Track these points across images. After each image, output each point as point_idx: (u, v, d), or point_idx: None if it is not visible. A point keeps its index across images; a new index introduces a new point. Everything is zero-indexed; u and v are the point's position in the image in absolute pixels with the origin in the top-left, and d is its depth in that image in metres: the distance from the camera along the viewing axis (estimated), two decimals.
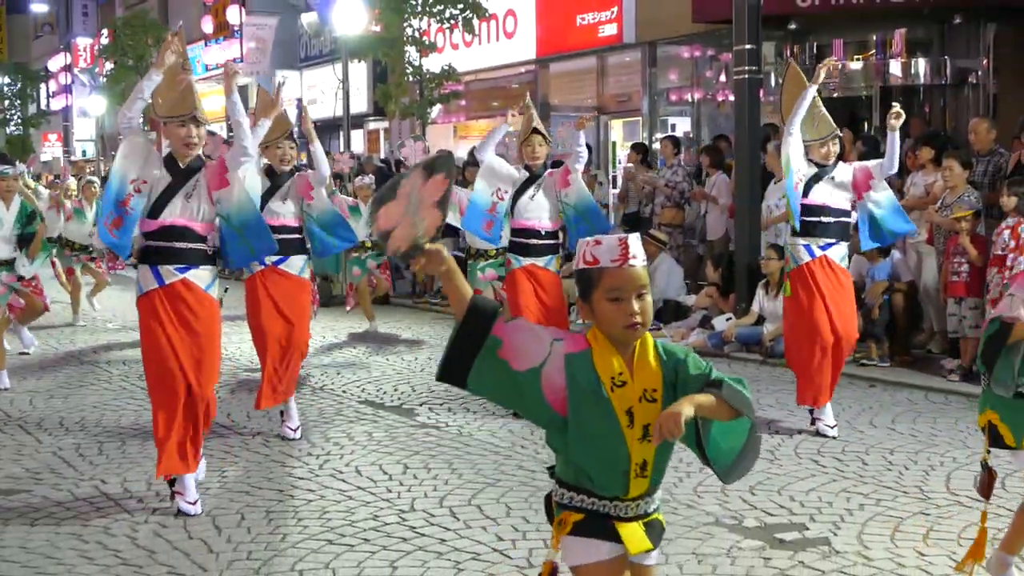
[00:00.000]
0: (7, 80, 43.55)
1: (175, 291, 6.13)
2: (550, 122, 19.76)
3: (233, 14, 25.68)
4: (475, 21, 18.01)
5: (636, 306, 3.15)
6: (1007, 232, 9.38)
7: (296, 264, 8.03)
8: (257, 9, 26.14)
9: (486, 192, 8.77)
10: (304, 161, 11.00)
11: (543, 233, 8.78)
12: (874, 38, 14.88)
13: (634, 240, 3.19)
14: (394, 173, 16.89)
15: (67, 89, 39.87)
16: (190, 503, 6.12)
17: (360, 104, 23.69)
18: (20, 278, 9.98)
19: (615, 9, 17.64)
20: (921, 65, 14.53)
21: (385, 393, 9.58)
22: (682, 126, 18.06)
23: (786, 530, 5.80)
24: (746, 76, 11.90)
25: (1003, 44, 13.92)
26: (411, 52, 18.49)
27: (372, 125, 25.52)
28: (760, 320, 11.23)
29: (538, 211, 8.73)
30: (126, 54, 28.78)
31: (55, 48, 42.66)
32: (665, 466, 3.32)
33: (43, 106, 43.50)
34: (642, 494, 3.27)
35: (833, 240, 7.91)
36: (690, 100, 17.80)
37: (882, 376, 10.03)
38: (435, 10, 17.77)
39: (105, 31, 32.22)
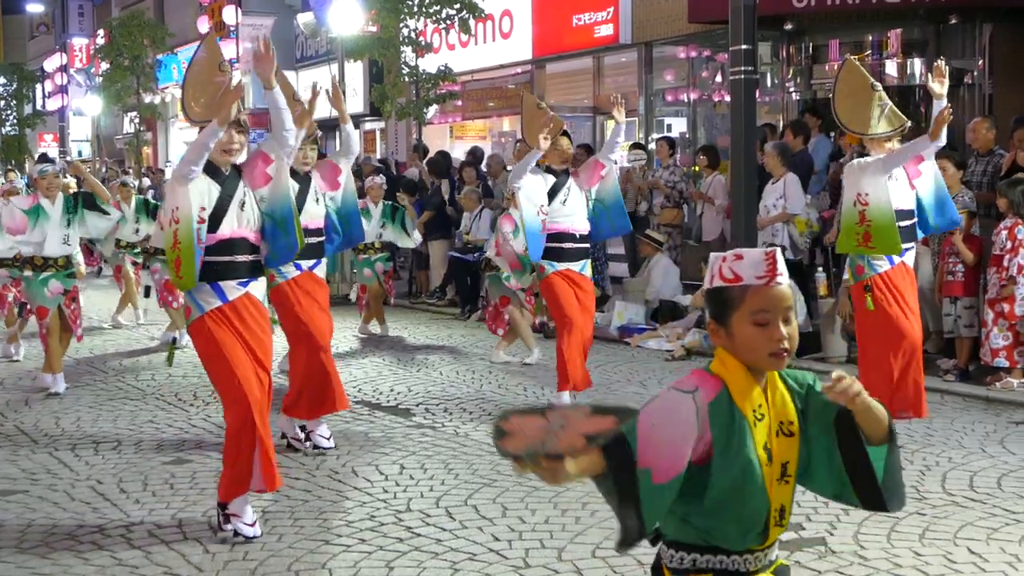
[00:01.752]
0: (2, 80, 43.46)
1: (240, 307, 5.80)
2: None
3: (229, 14, 25.70)
4: (471, 21, 18.02)
5: (784, 330, 2.75)
6: (1004, 232, 9.39)
7: (320, 268, 7.83)
8: (253, 9, 26.15)
9: (534, 216, 8.35)
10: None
11: (577, 236, 8.50)
12: (870, 38, 14.90)
13: (779, 255, 2.82)
14: (392, 174, 16.89)
15: (63, 89, 39.82)
16: (249, 524, 5.74)
17: (356, 104, 23.68)
18: (66, 291, 9.62)
19: (611, 9, 17.65)
20: (917, 65, 14.55)
21: (381, 394, 9.58)
22: (678, 126, 18.09)
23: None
24: (742, 76, 11.87)
25: (999, 44, 13.94)
26: (407, 52, 18.50)
27: (368, 125, 25.53)
28: None
29: (571, 214, 8.45)
30: (122, 54, 28.75)
31: (51, 48, 42.64)
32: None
33: (39, 106, 43.46)
34: (774, 542, 2.90)
35: (910, 244, 7.53)
36: (686, 100, 17.81)
37: None
38: (431, 10, 17.77)
39: (101, 31, 32.22)
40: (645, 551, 5.42)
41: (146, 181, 23.45)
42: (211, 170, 5.75)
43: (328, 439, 7.59)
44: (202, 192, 5.67)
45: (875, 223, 7.26)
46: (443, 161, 16.74)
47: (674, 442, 2.64)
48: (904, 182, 7.48)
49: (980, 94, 13.99)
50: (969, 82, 14.16)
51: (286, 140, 5.93)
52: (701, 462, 2.70)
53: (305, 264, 7.53)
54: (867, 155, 7.71)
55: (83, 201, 9.67)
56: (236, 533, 5.71)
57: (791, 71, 15.63)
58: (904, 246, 7.40)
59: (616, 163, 8.52)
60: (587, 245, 8.63)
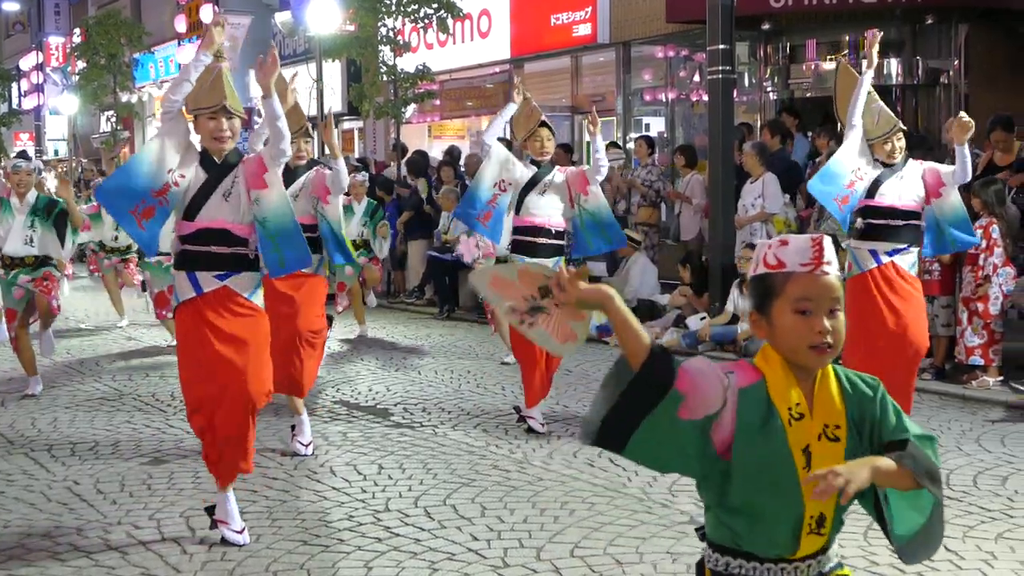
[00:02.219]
0: None
1: (215, 300, 5.61)
2: None
3: (206, 13, 25.56)
4: (449, 21, 17.98)
5: (827, 323, 2.61)
6: (979, 232, 9.43)
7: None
8: (231, 8, 26.03)
9: (489, 181, 8.08)
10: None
11: (552, 232, 8.19)
12: (847, 38, 14.94)
13: (828, 243, 2.67)
14: (371, 173, 16.86)
15: (39, 88, 39.60)
16: (236, 532, 5.64)
17: (334, 104, 23.59)
18: (33, 280, 9.42)
19: (589, 9, 17.66)
20: (893, 65, 14.60)
21: (360, 393, 9.56)
22: (656, 126, 18.11)
23: None
24: (720, 76, 11.93)
25: (974, 44, 14.01)
26: (385, 52, 18.44)
27: (347, 125, 25.46)
28: (734, 319, 11.27)
29: (548, 209, 8.15)
30: (98, 53, 28.56)
31: (27, 47, 42.37)
32: (843, 519, 2.79)
33: (14, 105, 43.13)
34: (814, 552, 2.71)
35: (903, 245, 7.28)
36: (664, 100, 17.83)
37: None
38: (409, 9, 17.73)
39: (77, 30, 32.04)
40: (623, 550, 5.45)
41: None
42: (204, 157, 5.63)
43: (306, 447, 7.49)
44: (171, 153, 5.53)
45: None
46: (421, 160, 16.73)
47: (708, 387, 2.58)
48: (913, 184, 7.36)
49: (956, 94, 14.06)
50: (945, 82, 14.23)
51: (283, 153, 5.70)
52: (723, 452, 2.60)
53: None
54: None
55: (55, 217, 9.38)
56: (224, 540, 5.62)
57: (768, 71, 15.67)
58: (893, 245, 7.26)
59: (599, 181, 8.25)
60: (562, 242, 8.33)
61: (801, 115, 13.96)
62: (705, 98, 13.27)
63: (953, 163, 7.56)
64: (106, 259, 13.58)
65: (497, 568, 5.30)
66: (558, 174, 8.23)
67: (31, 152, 34.80)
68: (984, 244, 9.37)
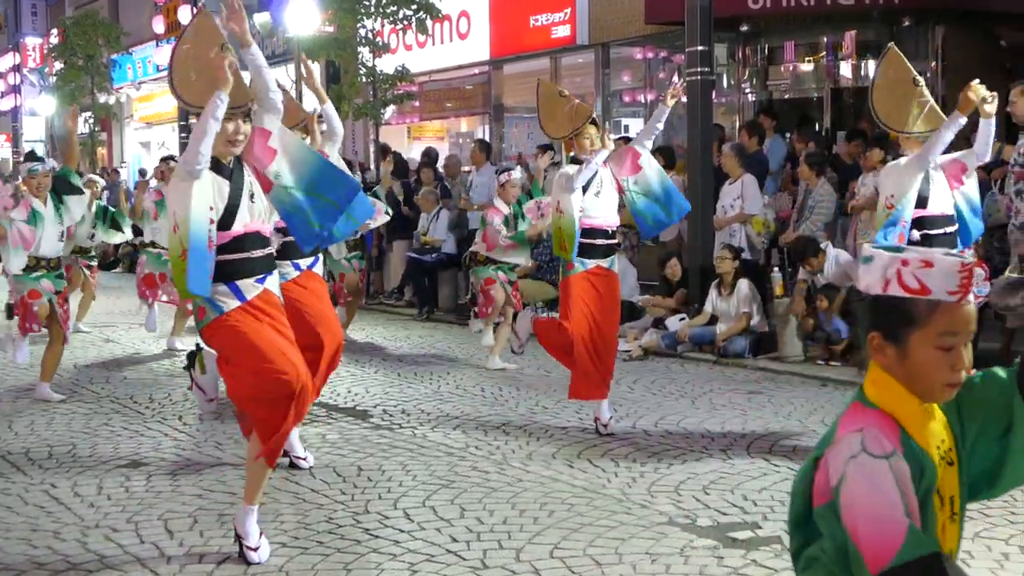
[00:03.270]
0: None
1: (260, 305, 5.37)
2: (503, 123, 19.85)
3: (185, 14, 25.44)
4: (428, 22, 17.98)
5: (967, 359, 2.35)
6: None
7: (308, 259, 7.23)
8: (211, 8, 25.97)
9: (575, 211, 7.70)
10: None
11: (608, 232, 7.90)
12: (825, 40, 15.02)
13: (975, 268, 2.39)
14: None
15: (16, 89, 39.40)
16: (253, 549, 5.36)
17: (313, 104, 23.58)
18: (58, 292, 9.27)
19: (568, 10, 17.69)
20: (871, 67, 14.66)
21: (339, 395, 9.55)
22: (635, 127, 18.12)
23: (739, 529, 5.83)
24: (698, 77, 11.97)
25: (951, 46, 14.09)
26: (364, 53, 18.43)
27: (326, 126, 25.42)
28: (713, 320, 11.31)
29: (605, 209, 7.83)
30: (76, 54, 28.48)
31: (4, 48, 42.16)
32: None
33: None
34: None
35: (958, 249, 6.93)
36: (643, 101, 17.87)
37: (834, 376, 10.10)
38: (388, 11, 17.72)
39: (55, 31, 31.91)
40: (603, 551, 5.46)
41: (101, 181, 23.20)
42: (214, 165, 5.23)
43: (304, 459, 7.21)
44: (206, 191, 5.15)
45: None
46: (401, 162, 16.74)
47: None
48: (943, 187, 7.14)
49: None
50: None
51: (274, 103, 5.34)
52: None
53: (304, 263, 7.19)
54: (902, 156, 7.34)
55: (58, 187, 9.26)
56: (241, 556, 5.37)
57: (747, 72, 15.74)
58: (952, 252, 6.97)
59: (648, 147, 7.94)
60: (616, 240, 8.12)
61: (779, 116, 14.01)
62: (684, 99, 13.28)
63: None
64: (73, 257, 13.47)
65: (477, 569, 5.30)
66: (605, 171, 7.85)
67: (7, 154, 34.71)
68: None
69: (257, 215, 5.39)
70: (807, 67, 15.31)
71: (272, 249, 5.60)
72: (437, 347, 12.34)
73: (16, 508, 6.36)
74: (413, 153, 20.73)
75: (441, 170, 16.09)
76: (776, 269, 11.57)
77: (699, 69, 11.99)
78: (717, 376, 10.36)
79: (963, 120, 6.87)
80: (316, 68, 6.97)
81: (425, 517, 6.08)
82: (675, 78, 7.96)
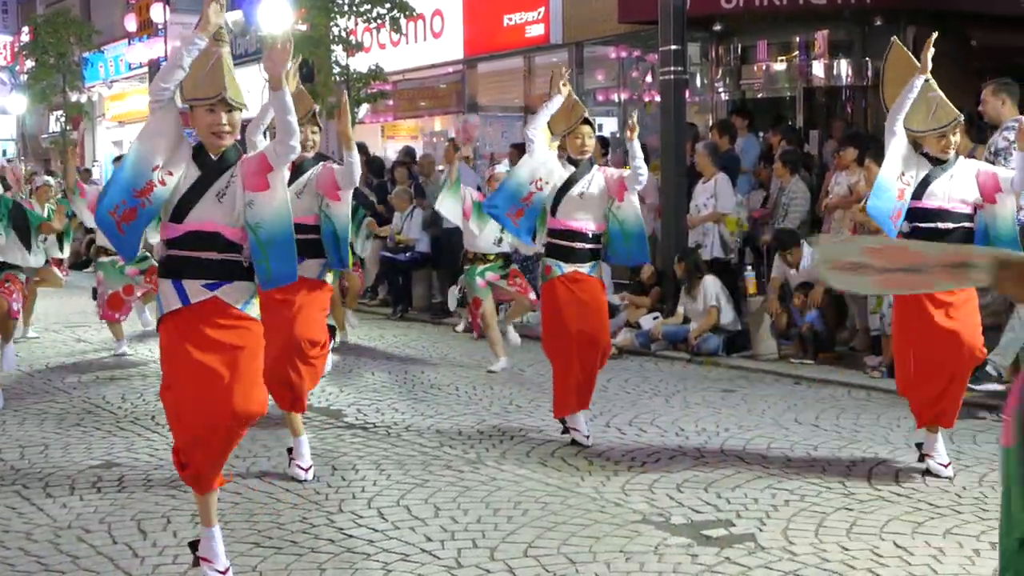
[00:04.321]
0: None
1: (204, 311, 5.02)
2: (478, 123, 19.83)
3: (157, 12, 25.38)
4: (402, 21, 17.96)
5: None
6: None
7: (312, 268, 6.83)
8: (182, 8, 25.83)
9: (526, 178, 7.51)
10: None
11: (589, 236, 7.58)
12: (797, 40, 15.07)
13: None
14: None
15: None
16: (221, 572, 5.13)
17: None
18: None
19: (542, 9, 17.69)
20: (843, 66, 14.75)
21: (312, 395, 9.49)
22: (609, 126, 18.14)
23: (712, 527, 5.84)
24: (672, 76, 12.01)
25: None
26: (338, 52, 18.39)
27: (343, 173, 25.37)
28: (687, 321, 11.35)
29: (586, 211, 7.54)
30: (47, 52, 28.30)
31: None
32: None
33: None
34: None
35: None
36: (617, 100, 17.88)
37: (807, 374, 10.15)
38: (362, 9, 17.69)
39: (26, 29, 31.70)
40: (577, 549, 5.46)
41: (52, 182, 23.05)
42: (197, 153, 5.03)
43: (306, 471, 6.90)
44: (169, 151, 4.96)
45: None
46: (378, 161, 16.74)
47: None
48: (965, 183, 6.66)
49: None
50: None
51: (292, 151, 5.07)
52: None
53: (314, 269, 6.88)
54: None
55: (13, 218, 8.94)
56: None
57: (720, 72, 15.77)
58: None
59: (637, 191, 7.65)
60: (599, 245, 7.69)
61: (753, 115, 14.05)
62: (657, 98, 13.31)
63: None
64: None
65: (451, 568, 5.30)
66: (598, 174, 7.63)
67: None
68: None
69: (222, 216, 5.02)
70: (780, 66, 15.37)
71: (239, 257, 5.11)
72: (411, 346, 12.33)
73: (30, 550, 6.35)
74: (388, 152, 20.70)
75: (415, 169, 16.07)
76: (749, 268, 11.62)
77: (672, 68, 12.02)
78: (691, 374, 10.40)
79: (918, 80, 6.57)
80: (347, 111, 6.63)
81: (399, 516, 6.07)
82: (630, 120, 7.66)
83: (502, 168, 11.09)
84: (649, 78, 16.65)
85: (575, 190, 7.53)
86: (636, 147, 7.52)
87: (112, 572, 5.34)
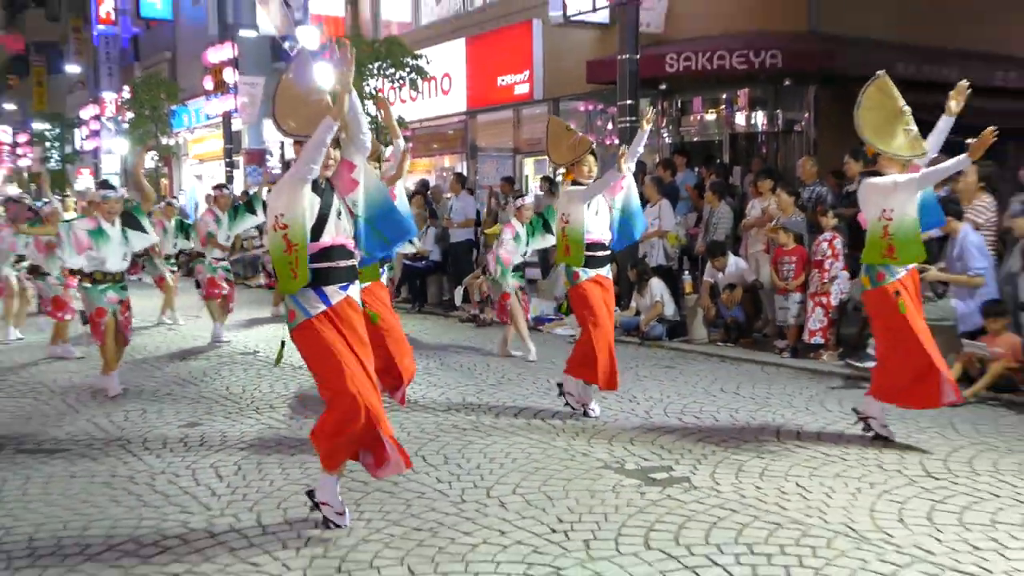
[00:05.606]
0: (49, 127, 42.71)
1: (341, 310, 4.88)
2: (477, 160, 19.85)
3: (228, 75, 25.31)
4: (419, 81, 17.97)
5: None
6: (825, 244, 9.61)
7: (372, 273, 6.61)
8: (247, 71, 25.78)
9: (583, 222, 7.18)
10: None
11: (606, 244, 7.30)
12: (724, 96, 15.07)
13: None
14: None
15: (96, 133, 38.98)
16: (338, 514, 4.94)
17: None
18: (121, 301, 8.60)
19: (527, 72, 17.72)
20: (759, 117, 14.76)
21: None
22: None
23: (657, 471, 5.88)
24: (628, 124, 12.06)
25: (821, 101, 14.19)
26: (369, 105, 18.38)
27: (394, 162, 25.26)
28: (639, 314, 11.41)
29: (601, 225, 7.25)
30: (143, 106, 28.28)
31: (86, 101, 41.73)
32: None
33: (77, 147, 42.56)
34: None
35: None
36: None
37: (730, 354, 10.19)
38: (387, 73, 17.69)
39: (126, 87, 31.60)
40: (553, 488, 5.47)
41: (176, 203, 23.08)
42: (314, 186, 4.85)
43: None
44: (311, 201, 4.82)
45: (898, 236, 6.13)
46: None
47: None
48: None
49: (807, 139, 14.24)
50: (799, 130, 14.41)
51: (363, 143, 4.91)
52: None
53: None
54: (877, 174, 6.34)
55: (123, 220, 8.66)
56: (326, 523, 4.93)
57: (665, 121, 15.78)
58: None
59: (631, 171, 7.27)
60: (611, 252, 7.43)
61: (690, 155, 14.09)
62: (616, 141, 13.34)
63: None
64: (164, 265, 13.44)
65: (456, 503, 5.33)
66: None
67: (91, 183, 34.33)
68: (829, 253, 9.54)
69: (342, 230, 4.92)
70: (711, 117, 15.37)
71: (355, 262, 5.03)
72: (427, 333, 12.35)
73: (100, 459, 6.34)
74: (408, 184, 20.65)
75: (430, 196, 16.08)
76: (686, 272, 11.66)
77: (628, 119, 12.07)
78: (641, 355, 10.42)
79: (968, 162, 6.06)
80: (393, 114, 6.33)
81: (417, 464, 6.06)
82: (650, 111, 7.14)
83: (530, 200, 10.86)
84: (610, 126, 16.65)
85: (591, 210, 7.20)
86: (644, 136, 7.19)
87: (195, 506, 5.36)
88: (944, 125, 6.14)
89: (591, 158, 7.27)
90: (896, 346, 6.31)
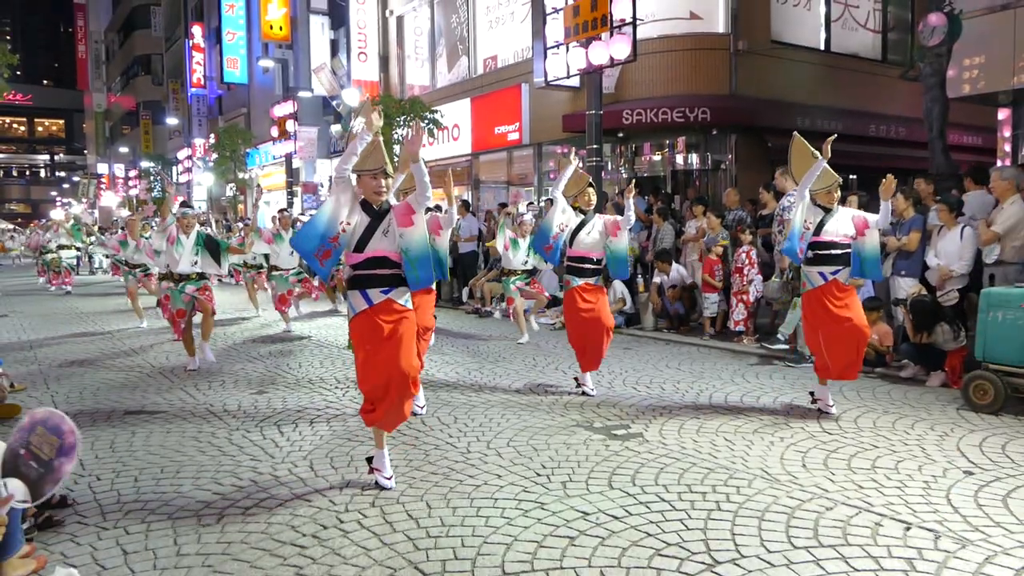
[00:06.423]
0: (152, 164, 42.70)
1: (382, 309, 4.65)
2: (480, 190, 19.76)
3: (290, 125, 25.23)
4: (435, 130, 17.91)
5: None
6: (743, 254, 9.57)
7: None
8: (305, 122, 25.69)
9: (554, 223, 6.93)
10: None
11: (594, 260, 6.99)
12: (667, 142, 15.04)
13: None
14: None
15: (189, 170, 38.94)
16: (387, 478, 4.70)
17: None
18: (198, 288, 8.22)
19: (518, 123, 17.67)
20: (694, 158, 14.72)
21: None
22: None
23: (618, 429, 5.83)
24: (595, 163, 11.98)
25: (740, 146, 14.17)
26: (396, 149, 18.29)
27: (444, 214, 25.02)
28: None
29: (592, 245, 6.95)
30: (225, 148, 28.27)
31: (181, 145, 41.68)
32: None
33: (174, 180, 42.49)
34: None
35: (840, 267, 6.12)
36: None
37: (673, 339, 10.13)
38: (410, 123, 17.59)
39: (212, 135, 31.42)
40: (538, 441, 5.42)
41: (239, 224, 22.95)
42: (365, 206, 4.66)
43: (421, 408, 6.34)
44: (352, 211, 4.64)
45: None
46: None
47: None
48: (844, 223, 6.16)
49: (730, 175, 14.21)
50: (724, 168, 14.39)
51: (426, 201, 4.72)
52: None
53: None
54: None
55: (205, 242, 8.38)
56: (377, 484, 4.69)
57: (622, 160, 15.74)
58: (833, 268, 6.12)
59: (627, 228, 6.94)
60: (600, 266, 7.04)
61: (642, 186, 14.03)
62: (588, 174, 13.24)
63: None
64: (249, 271, 13.35)
65: (463, 453, 5.27)
66: (598, 220, 7.01)
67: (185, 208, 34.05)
68: (747, 261, 9.50)
69: (388, 245, 4.66)
70: (657, 157, 15.33)
71: (399, 271, 4.71)
72: (440, 322, 12.24)
73: (188, 419, 6.24)
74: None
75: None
76: (640, 276, 11.61)
77: (595, 159, 11.99)
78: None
79: (821, 163, 5.99)
80: (454, 189, 5.82)
81: (433, 423, 6.02)
82: (572, 152, 6.98)
83: (528, 217, 10.56)
84: (581, 165, 16.57)
85: (584, 231, 6.97)
86: (631, 203, 6.99)
87: (262, 455, 5.21)
88: (819, 164, 6.03)
89: (591, 190, 7.03)
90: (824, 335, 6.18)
